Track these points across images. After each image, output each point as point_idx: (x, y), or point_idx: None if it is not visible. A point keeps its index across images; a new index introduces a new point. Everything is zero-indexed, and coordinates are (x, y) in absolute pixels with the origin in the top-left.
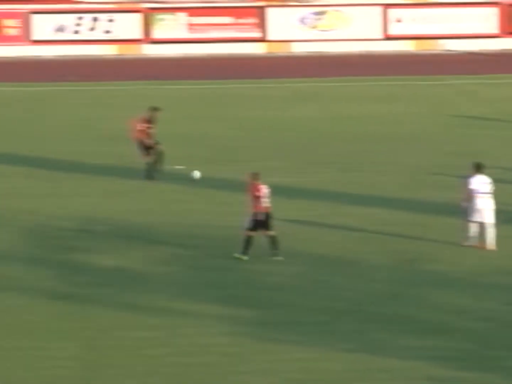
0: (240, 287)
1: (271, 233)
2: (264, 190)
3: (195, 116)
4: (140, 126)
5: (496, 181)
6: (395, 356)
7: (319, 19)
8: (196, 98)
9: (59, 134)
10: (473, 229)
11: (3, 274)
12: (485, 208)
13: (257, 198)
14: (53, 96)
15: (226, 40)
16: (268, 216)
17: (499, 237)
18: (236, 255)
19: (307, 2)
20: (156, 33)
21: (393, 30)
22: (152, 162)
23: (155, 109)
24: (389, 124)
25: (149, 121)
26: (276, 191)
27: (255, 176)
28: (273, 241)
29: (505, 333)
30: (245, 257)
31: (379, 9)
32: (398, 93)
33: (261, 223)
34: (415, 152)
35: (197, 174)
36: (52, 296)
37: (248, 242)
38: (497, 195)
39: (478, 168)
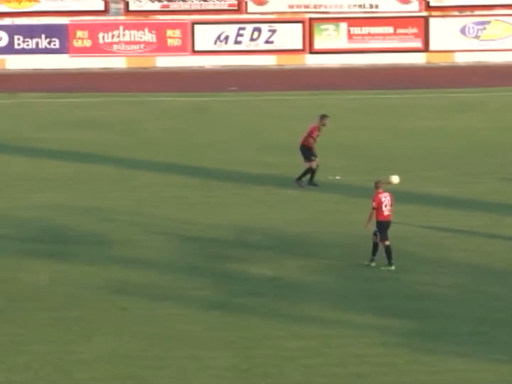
0: (393, 297)
1: (387, 242)
2: (384, 199)
3: (354, 126)
4: (311, 133)
5: None
6: None
7: (482, 28)
8: (356, 108)
9: (217, 143)
10: None
11: (159, 283)
12: None
13: (374, 209)
14: (215, 106)
15: (387, 50)
16: (387, 225)
17: None
18: (370, 263)
19: (469, 12)
20: (318, 43)
21: None
22: (315, 169)
23: (324, 116)
24: None
25: (318, 128)
26: (434, 201)
27: (376, 185)
28: (388, 251)
29: None
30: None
31: None
32: None
33: (381, 231)
34: None
35: (396, 179)
36: (207, 305)
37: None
38: None
39: None
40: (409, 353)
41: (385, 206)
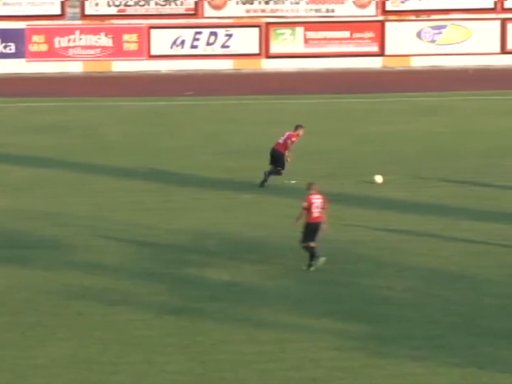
0: (350, 301)
1: (312, 244)
2: (315, 200)
3: (312, 131)
4: (290, 141)
5: None
6: (506, 371)
7: (437, 33)
8: (313, 112)
9: (175, 148)
10: None
11: (116, 288)
12: None
13: (305, 209)
14: (172, 110)
15: (344, 55)
16: (316, 227)
17: None
18: (304, 267)
19: (426, 16)
20: (274, 48)
21: (511, 44)
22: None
23: (299, 126)
24: (510, 138)
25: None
26: (391, 204)
27: (309, 187)
28: (312, 252)
29: None
30: (322, 258)
31: (497, 23)
32: None
33: (309, 233)
34: None
35: (379, 178)
36: (164, 310)
37: (312, 253)
38: None
39: None
40: (365, 357)
41: (316, 208)
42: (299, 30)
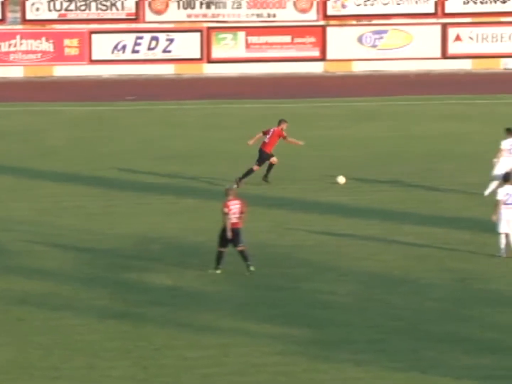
0: (292, 305)
1: (240, 248)
2: (232, 207)
3: (252, 135)
4: (277, 138)
5: None
6: (448, 375)
7: (378, 38)
8: (255, 117)
9: (117, 153)
10: (502, 240)
11: (57, 293)
12: (507, 219)
13: (226, 214)
14: (114, 115)
15: (285, 59)
16: (236, 232)
17: None
18: (210, 271)
19: (367, 21)
20: (216, 52)
21: (452, 49)
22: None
23: (282, 121)
24: (452, 142)
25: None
26: (334, 209)
27: (226, 192)
28: (243, 255)
29: None
30: (218, 271)
31: (438, 28)
32: (460, 112)
33: (230, 239)
34: (477, 171)
35: (342, 179)
36: (106, 315)
37: (218, 257)
38: None
39: (507, 179)
40: (307, 361)
41: (233, 213)
42: (241, 34)
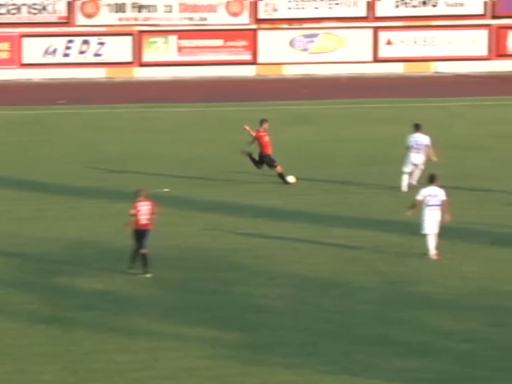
0: (223, 309)
1: (143, 251)
2: (142, 207)
3: (186, 139)
4: (262, 139)
5: (483, 201)
6: (379, 378)
7: (310, 42)
8: (187, 121)
9: (50, 157)
10: (429, 241)
11: None
12: (431, 220)
13: (133, 215)
14: (46, 119)
15: (217, 63)
16: (143, 233)
17: (481, 258)
18: (140, 275)
19: (298, 25)
20: (147, 56)
21: (383, 53)
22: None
23: (263, 121)
24: (382, 146)
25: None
26: (264, 212)
27: (136, 193)
28: (144, 259)
29: (488, 355)
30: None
31: (369, 32)
32: (390, 116)
33: (138, 239)
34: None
35: (291, 179)
36: (36, 319)
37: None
38: (485, 216)
39: (431, 180)
40: (238, 365)
41: (143, 214)
42: (172, 38)
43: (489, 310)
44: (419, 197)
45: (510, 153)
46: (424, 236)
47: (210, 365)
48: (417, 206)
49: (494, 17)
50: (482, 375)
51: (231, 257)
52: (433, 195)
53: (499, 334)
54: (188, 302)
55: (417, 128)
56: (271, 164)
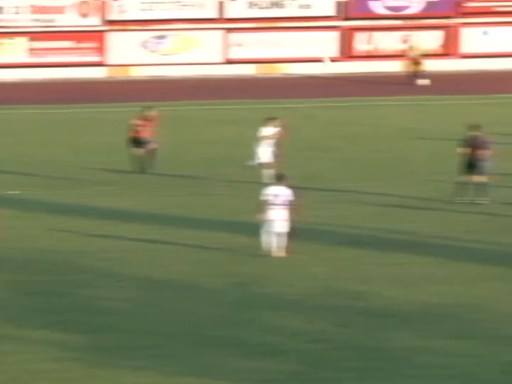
0: (69, 312)
1: None
2: None
3: (32, 141)
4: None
5: (333, 202)
6: (226, 379)
7: (160, 43)
8: (34, 122)
9: None
10: (272, 239)
11: None
12: (276, 219)
13: None
14: None
15: (67, 65)
16: None
17: (329, 259)
18: None
19: (148, 26)
20: None
21: (233, 54)
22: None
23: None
24: (231, 147)
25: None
26: (114, 215)
27: None
28: None
29: (335, 355)
30: None
31: (219, 34)
32: (240, 117)
33: None
34: (254, 175)
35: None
36: None
37: None
38: (333, 217)
39: (278, 179)
40: (85, 367)
41: None
42: (21, 40)
43: (336, 310)
44: (263, 197)
45: (358, 154)
46: (267, 234)
47: (55, 368)
48: (265, 207)
49: (347, 18)
50: (329, 376)
51: (79, 260)
52: (280, 194)
53: (346, 335)
54: (32, 305)
55: (270, 120)
56: None
